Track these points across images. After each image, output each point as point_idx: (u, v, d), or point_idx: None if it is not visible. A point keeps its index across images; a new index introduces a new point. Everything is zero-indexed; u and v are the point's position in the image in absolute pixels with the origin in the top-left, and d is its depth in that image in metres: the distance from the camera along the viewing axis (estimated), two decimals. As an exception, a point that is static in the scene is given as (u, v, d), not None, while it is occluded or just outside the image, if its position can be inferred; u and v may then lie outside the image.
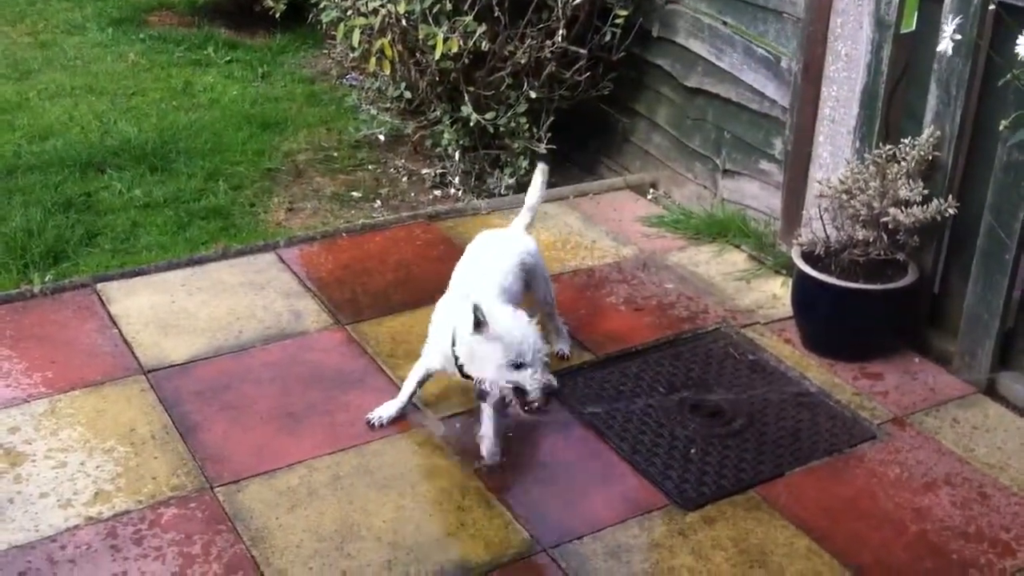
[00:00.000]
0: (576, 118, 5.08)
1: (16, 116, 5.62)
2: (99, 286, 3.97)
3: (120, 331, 3.71)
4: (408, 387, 3.31)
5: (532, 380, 2.84)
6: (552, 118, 4.92)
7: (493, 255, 3.39)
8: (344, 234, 4.47)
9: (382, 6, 4.69)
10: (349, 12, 4.98)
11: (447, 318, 3.13)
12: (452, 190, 5.09)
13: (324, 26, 5.52)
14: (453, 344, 3.04)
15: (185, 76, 6.28)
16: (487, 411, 3.12)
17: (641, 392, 3.46)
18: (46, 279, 4.06)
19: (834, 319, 3.64)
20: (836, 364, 3.63)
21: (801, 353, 3.70)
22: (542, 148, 4.86)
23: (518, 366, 2.85)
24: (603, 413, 3.34)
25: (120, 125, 5.50)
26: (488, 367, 2.89)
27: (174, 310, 3.87)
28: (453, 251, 4.31)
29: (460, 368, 3.04)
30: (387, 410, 3.30)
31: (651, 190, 4.94)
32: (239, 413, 3.31)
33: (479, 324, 2.86)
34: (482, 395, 2.97)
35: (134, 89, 6.05)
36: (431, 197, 5.07)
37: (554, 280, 4.08)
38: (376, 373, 3.53)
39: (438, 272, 4.15)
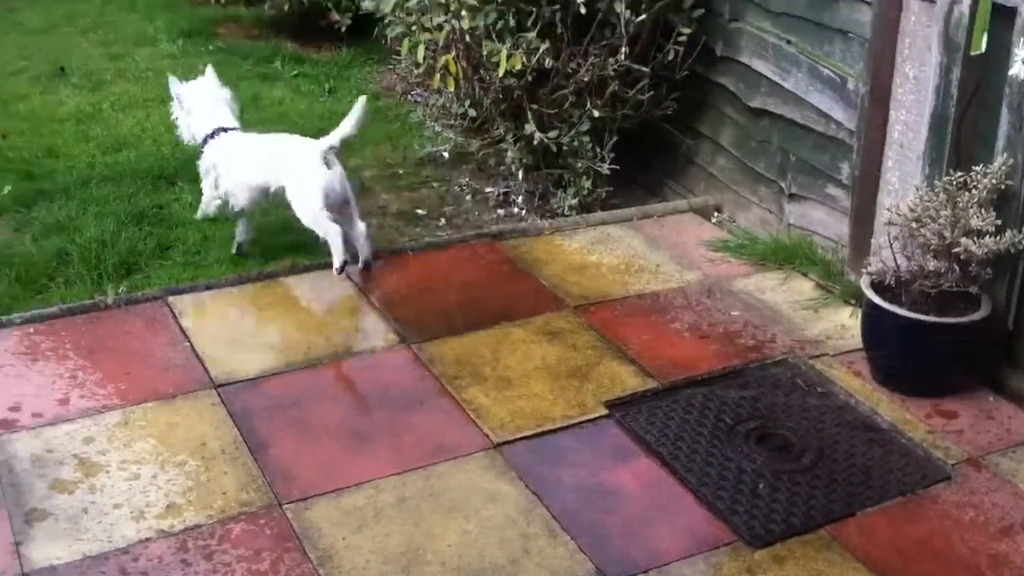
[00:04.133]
0: (639, 138, 5.08)
1: (90, 127, 5.75)
2: (171, 299, 4.05)
3: (191, 344, 3.78)
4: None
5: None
6: (615, 138, 4.92)
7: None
8: (409, 252, 4.52)
9: (447, 22, 4.73)
10: (414, 27, 5.04)
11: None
12: (515, 209, 5.12)
13: (389, 41, 5.58)
14: None
15: (254, 89, 6.39)
16: None
17: (707, 422, 3.44)
18: (119, 290, 4.15)
19: (905, 353, 3.59)
20: (908, 400, 3.57)
21: (872, 387, 3.65)
22: (605, 168, 4.87)
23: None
24: (668, 442, 3.33)
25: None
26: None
27: (244, 325, 3.94)
28: (517, 271, 4.36)
29: None
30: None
31: (715, 213, 4.92)
32: (307, 430, 3.36)
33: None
34: None
35: (205, 102, 6.14)
36: (495, 216, 5.10)
37: (619, 304, 4.13)
38: (440, 394, 3.56)
39: (502, 293, 4.21)
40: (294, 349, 3.79)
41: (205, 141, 4.37)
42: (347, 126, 4.24)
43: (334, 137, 4.23)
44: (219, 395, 3.51)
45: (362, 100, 4.29)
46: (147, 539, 2.89)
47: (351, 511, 3.02)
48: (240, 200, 4.34)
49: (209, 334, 3.84)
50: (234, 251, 4.52)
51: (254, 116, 5.99)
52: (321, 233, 4.16)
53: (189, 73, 6.58)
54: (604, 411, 3.49)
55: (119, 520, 2.95)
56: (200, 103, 4.44)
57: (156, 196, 4.99)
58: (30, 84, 6.34)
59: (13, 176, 5.05)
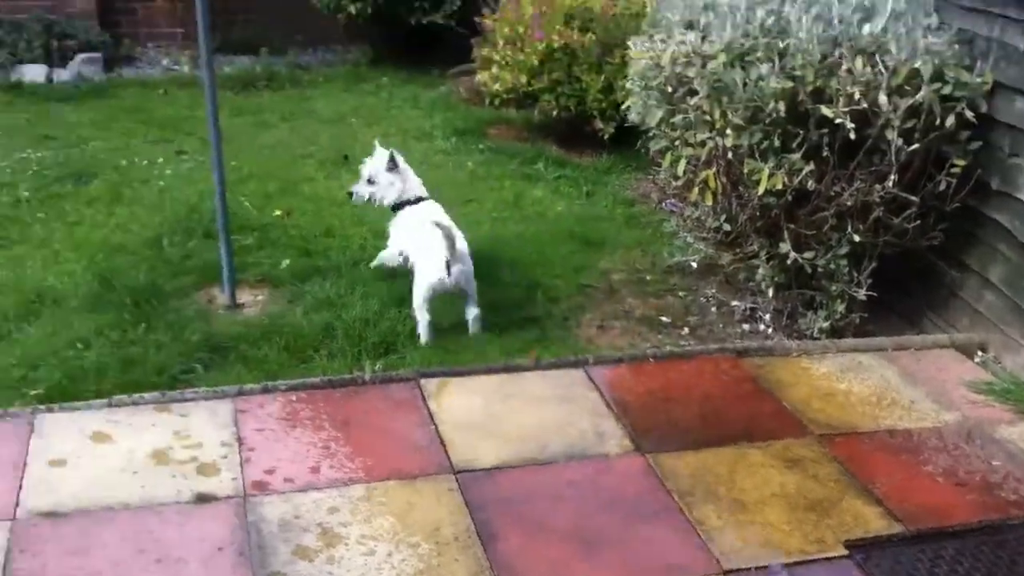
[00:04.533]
0: (900, 265, 4.90)
1: (365, 211, 6.12)
2: (422, 381, 4.23)
3: (436, 428, 3.93)
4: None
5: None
6: (874, 263, 4.78)
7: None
8: (651, 359, 4.53)
9: (710, 139, 4.78)
10: (677, 142, 5.12)
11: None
12: (761, 326, 5.05)
13: (651, 153, 5.69)
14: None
15: (517, 189, 6.66)
16: None
17: (956, 578, 3.23)
18: (376, 368, 4.38)
19: None
20: None
21: None
22: (861, 293, 4.73)
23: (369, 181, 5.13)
24: (910, 591, 3.15)
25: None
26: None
27: (487, 414, 4.06)
28: (759, 391, 4.28)
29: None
30: None
31: (979, 352, 4.65)
32: (537, 528, 3.40)
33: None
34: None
35: (470, 196, 6.47)
36: (739, 331, 5.05)
37: (867, 437, 3.97)
38: (672, 510, 3.52)
39: (743, 412, 4.14)
40: (531, 444, 3.86)
41: (402, 205, 5.11)
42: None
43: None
44: (457, 481, 3.62)
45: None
46: (375, 617, 3.00)
47: (573, 617, 3.02)
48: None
49: (453, 419, 3.99)
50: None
51: (514, 213, 6.27)
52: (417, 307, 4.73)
53: (458, 169, 7.04)
54: (844, 551, 3.33)
55: (353, 595, 3.08)
56: (409, 174, 5.19)
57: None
58: (316, 168, 6.89)
59: (293, 252, 5.48)
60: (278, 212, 6.00)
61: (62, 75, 8.73)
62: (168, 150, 7.10)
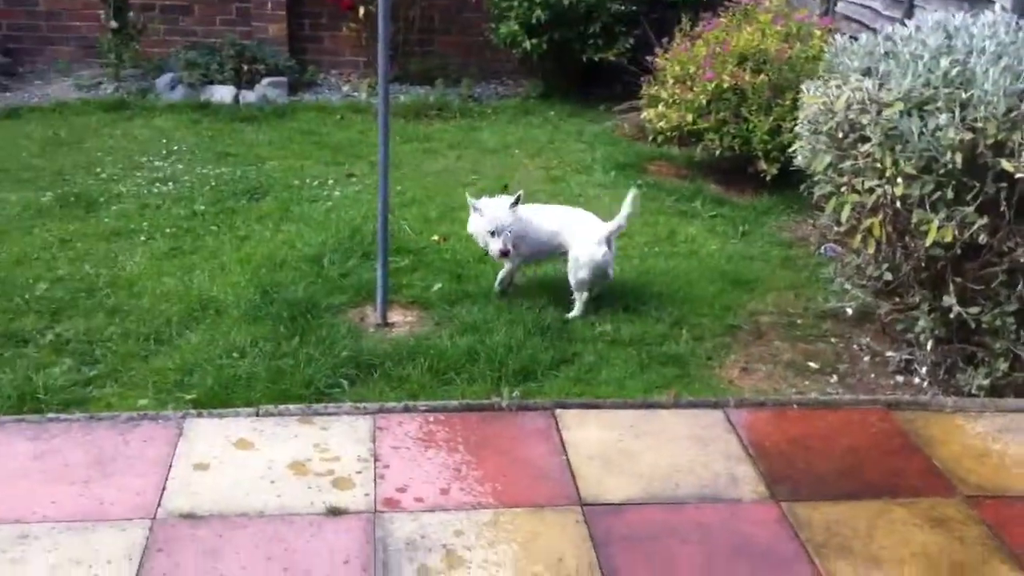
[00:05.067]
0: (1073, 326, 4.63)
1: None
2: (557, 411, 4.26)
3: (568, 459, 3.94)
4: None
5: (493, 243, 5.15)
6: (1045, 322, 4.53)
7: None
8: (795, 406, 4.42)
9: (879, 186, 4.65)
10: (843, 188, 4.99)
11: None
12: (916, 379, 4.84)
13: (815, 198, 5.57)
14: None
15: (671, 225, 6.63)
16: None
17: (1106, 658, 3.01)
18: (513, 394, 4.44)
19: None
20: None
21: None
22: (1027, 353, 4.49)
23: (492, 233, 5.14)
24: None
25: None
26: (480, 234, 5.26)
27: (620, 449, 4.04)
28: (908, 446, 4.11)
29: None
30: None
31: None
32: (661, 567, 3.36)
33: (477, 210, 5.22)
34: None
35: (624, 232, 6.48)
36: (892, 383, 4.86)
37: (1020, 502, 3.75)
38: (803, 562, 3.42)
39: (887, 466, 3.98)
40: (662, 483, 3.83)
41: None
42: (622, 216, 5.26)
43: (614, 223, 5.27)
44: (583, 514, 3.61)
45: (634, 192, 5.31)
46: (490, 640, 3.03)
47: (688, 661, 2.98)
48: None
49: (586, 452, 3.99)
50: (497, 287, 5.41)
51: (665, 249, 6.24)
52: (577, 295, 5.28)
53: (615, 202, 7.04)
54: (985, 619, 3.18)
55: (468, 619, 3.12)
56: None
57: (563, 311, 5.30)
58: (476, 196, 7.02)
59: (446, 276, 5.62)
60: (435, 237, 6.17)
61: (248, 97, 9.24)
62: (339, 172, 7.41)
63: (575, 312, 5.26)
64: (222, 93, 9.21)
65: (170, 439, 3.92)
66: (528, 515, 3.60)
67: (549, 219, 5.42)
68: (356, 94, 9.73)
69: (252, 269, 5.55)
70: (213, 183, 7.02)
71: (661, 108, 7.56)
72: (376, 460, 3.85)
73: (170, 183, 7.01)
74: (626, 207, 5.24)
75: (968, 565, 3.41)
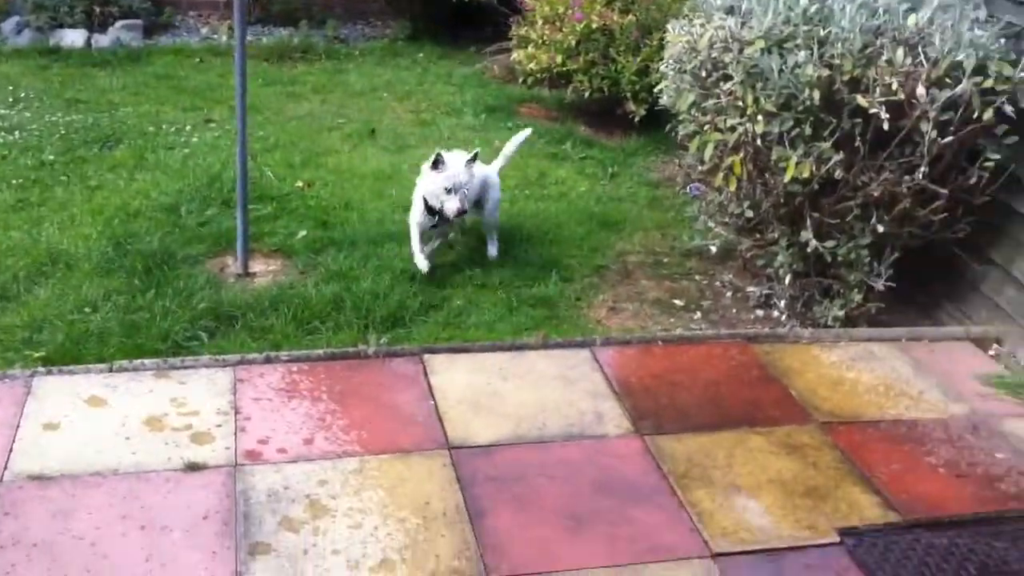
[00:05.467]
0: (921, 256, 4.80)
1: (387, 185, 6.15)
2: (425, 357, 4.23)
3: (435, 403, 3.92)
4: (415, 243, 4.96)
5: (450, 202, 4.78)
6: (896, 254, 4.68)
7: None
8: (660, 342, 4.49)
9: (740, 124, 4.71)
10: (707, 127, 5.04)
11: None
12: (775, 313, 4.97)
13: (680, 137, 5.62)
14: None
15: (541, 167, 6.62)
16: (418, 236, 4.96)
17: (947, 569, 3.16)
18: (381, 341, 4.38)
19: None
20: None
21: None
22: (879, 284, 4.64)
23: (448, 190, 4.77)
24: (900, 585, 3.10)
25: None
26: (434, 190, 4.82)
27: (488, 391, 4.04)
28: (766, 377, 4.22)
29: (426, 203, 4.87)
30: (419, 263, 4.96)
31: (995, 346, 4.55)
32: (527, 506, 3.39)
33: (436, 163, 4.75)
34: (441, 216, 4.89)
35: (494, 173, 6.45)
36: (752, 317, 4.98)
37: (871, 427, 3.90)
38: (666, 492, 3.49)
39: (747, 397, 4.08)
40: (530, 423, 3.84)
41: None
42: (508, 150, 5.43)
43: (503, 160, 5.45)
44: (451, 457, 3.61)
45: (527, 132, 5.48)
46: (356, 588, 3.01)
47: (554, 596, 3.01)
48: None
49: (454, 396, 3.98)
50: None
51: (536, 191, 6.23)
52: (494, 234, 5.34)
53: (484, 145, 6.99)
54: (836, 538, 3.30)
55: (335, 567, 3.07)
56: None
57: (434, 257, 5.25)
58: (342, 141, 6.90)
59: (310, 223, 5.49)
60: (299, 183, 6.02)
61: (101, 41, 8.79)
62: (197, 118, 7.14)
63: (496, 251, 5.28)
64: (73, 37, 8.74)
65: (18, 399, 3.74)
66: (395, 461, 3.57)
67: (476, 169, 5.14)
68: (216, 36, 9.37)
69: (104, 220, 5.31)
70: (63, 131, 6.67)
71: (531, 50, 7.49)
72: (237, 413, 3.75)
73: (16, 132, 6.64)
74: (512, 146, 5.38)
75: (822, 488, 3.53)
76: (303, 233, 5.36)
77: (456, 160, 4.84)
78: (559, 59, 7.24)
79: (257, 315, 4.53)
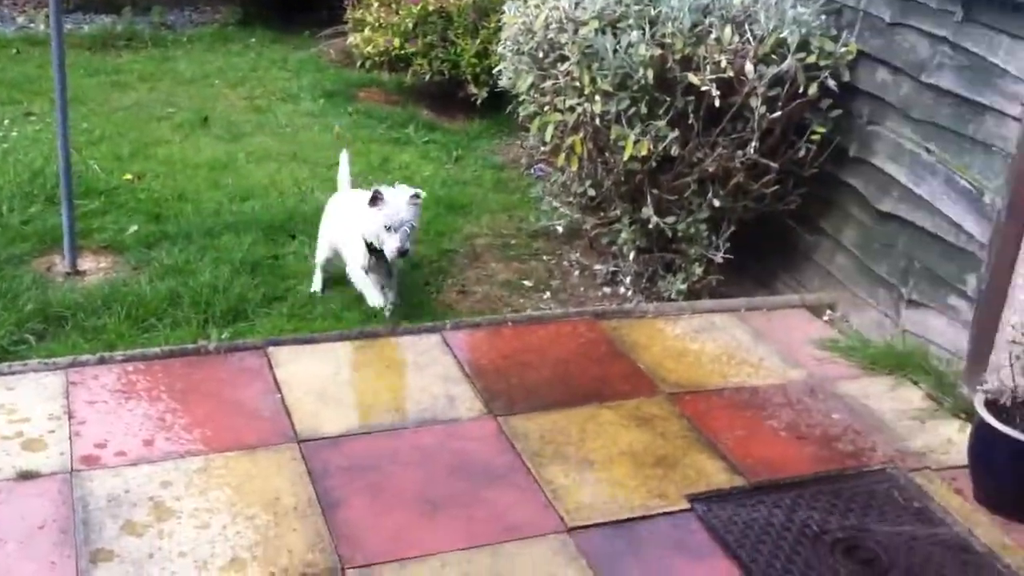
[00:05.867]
0: (757, 229, 4.96)
1: (222, 175, 5.96)
2: (270, 349, 4.11)
3: (282, 397, 3.81)
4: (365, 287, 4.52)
5: (391, 240, 4.29)
6: (733, 227, 4.82)
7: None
8: (510, 323, 4.49)
9: (579, 104, 4.75)
10: (546, 108, 5.07)
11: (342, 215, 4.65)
12: (622, 289, 5.05)
13: (521, 118, 5.64)
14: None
15: (384, 152, 6.54)
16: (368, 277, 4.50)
17: (792, 527, 3.28)
18: (223, 336, 4.24)
19: (1013, 476, 3.36)
20: (1010, 524, 3.34)
21: (972, 507, 3.43)
22: (718, 256, 4.77)
23: (388, 228, 4.29)
24: (749, 544, 3.18)
25: (316, 194, 5.74)
26: (373, 229, 4.33)
27: (337, 381, 3.96)
28: (614, 353, 4.28)
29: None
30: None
31: (828, 312, 4.75)
32: (381, 494, 3.33)
33: (375, 199, 4.30)
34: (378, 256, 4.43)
35: (335, 160, 6.28)
36: (600, 294, 5.05)
37: (715, 395, 4.00)
38: (521, 471, 3.49)
39: (596, 373, 4.13)
40: (381, 411, 3.79)
41: None
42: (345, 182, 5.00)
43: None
44: (301, 450, 3.52)
45: (344, 155, 5.08)
46: (207, 591, 2.90)
47: (412, 583, 2.97)
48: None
49: (301, 388, 3.88)
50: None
51: (379, 177, 6.12)
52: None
53: (324, 132, 6.86)
54: (686, 505, 3.37)
55: (182, 569, 2.95)
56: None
57: (274, 247, 5.12)
58: (172, 130, 6.64)
59: (142, 217, 5.27)
60: (128, 176, 5.76)
61: (-95, 33, 8.24)
62: (16, 112, 6.75)
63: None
64: None
65: None
66: (241, 458, 3.46)
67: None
68: (32, 25, 8.88)
69: (-85, 223, 4.98)
70: None
71: (367, 32, 7.38)
72: (70, 417, 3.56)
73: None
74: (344, 170, 4.99)
75: (671, 457, 3.60)
76: (134, 228, 5.14)
77: (397, 196, 4.33)
78: (397, 42, 7.16)
79: (88, 315, 4.31)
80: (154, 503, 3.20)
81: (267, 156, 6.35)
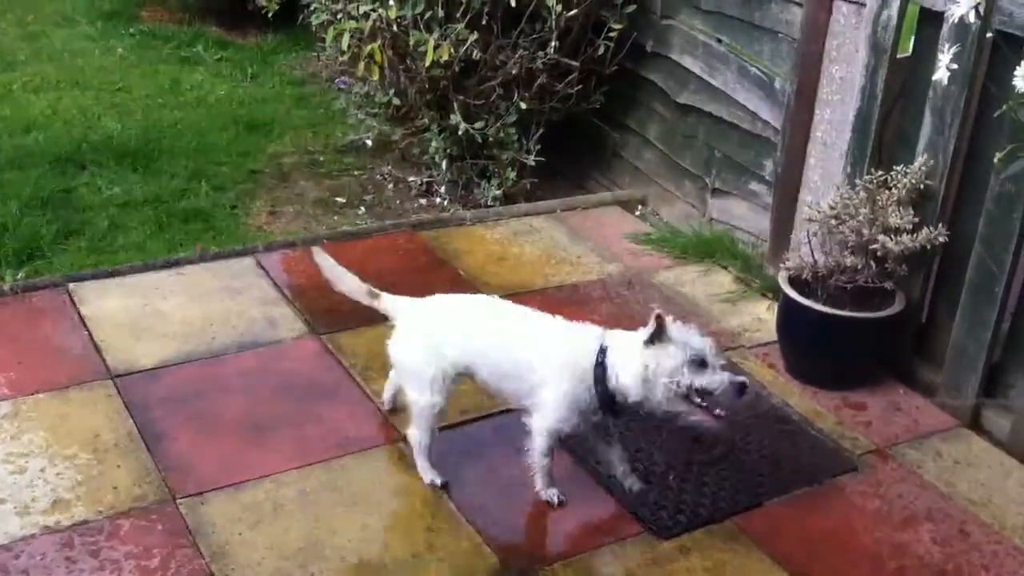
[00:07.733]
0: (567, 131, 5.02)
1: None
2: (71, 286, 3.88)
3: (90, 333, 3.62)
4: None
5: (717, 376, 2.62)
6: (542, 130, 4.85)
7: None
8: (325, 241, 4.38)
9: (373, 10, 4.62)
10: (339, 15, 4.91)
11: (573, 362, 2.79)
12: (438, 199, 5.02)
13: (315, 28, 5.45)
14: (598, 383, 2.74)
15: (173, 73, 6.21)
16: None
17: (620, 414, 3.38)
18: (17, 277, 3.98)
19: (818, 346, 3.58)
20: (819, 392, 3.57)
21: (784, 379, 3.63)
22: (531, 160, 4.80)
23: (700, 364, 2.64)
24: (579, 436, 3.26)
25: (104, 121, 5.42)
26: (663, 377, 2.63)
27: (147, 313, 3.78)
28: (436, 261, 4.27)
29: (614, 404, 2.76)
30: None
31: (640, 207, 4.88)
32: (207, 422, 3.23)
33: (657, 335, 2.63)
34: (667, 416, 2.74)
35: (120, 85, 5.97)
36: (416, 205, 5.01)
37: (538, 295, 4.05)
38: (350, 386, 3.46)
39: (418, 283, 4.06)
40: (198, 339, 3.65)
41: None
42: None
43: None
44: (116, 386, 3.36)
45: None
46: (31, 536, 2.75)
47: (249, 506, 2.91)
48: None
49: (109, 323, 3.69)
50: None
51: (170, 100, 5.85)
52: None
53: (106, 55, 6.44)
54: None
55: (2, 516, 2.80)
56: None
57: (64, 180, 4.81)
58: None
59: (-90, 156, 4.85)
60: None
61: None
62: None
63: None
64: None
65: None
66: (53, 398, 3.27)
67: None
68: None
69: None
70: None
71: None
72: None
73: None
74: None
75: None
76: (-97, 168, 4.72)
77: (679, 328, 2.72)
78: (178, -44, 6.77)
79: None
80: (-39, 454, 3.00)
81: (46, 85, 5.93)
